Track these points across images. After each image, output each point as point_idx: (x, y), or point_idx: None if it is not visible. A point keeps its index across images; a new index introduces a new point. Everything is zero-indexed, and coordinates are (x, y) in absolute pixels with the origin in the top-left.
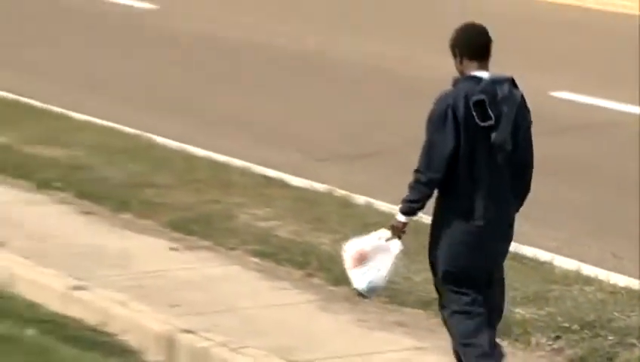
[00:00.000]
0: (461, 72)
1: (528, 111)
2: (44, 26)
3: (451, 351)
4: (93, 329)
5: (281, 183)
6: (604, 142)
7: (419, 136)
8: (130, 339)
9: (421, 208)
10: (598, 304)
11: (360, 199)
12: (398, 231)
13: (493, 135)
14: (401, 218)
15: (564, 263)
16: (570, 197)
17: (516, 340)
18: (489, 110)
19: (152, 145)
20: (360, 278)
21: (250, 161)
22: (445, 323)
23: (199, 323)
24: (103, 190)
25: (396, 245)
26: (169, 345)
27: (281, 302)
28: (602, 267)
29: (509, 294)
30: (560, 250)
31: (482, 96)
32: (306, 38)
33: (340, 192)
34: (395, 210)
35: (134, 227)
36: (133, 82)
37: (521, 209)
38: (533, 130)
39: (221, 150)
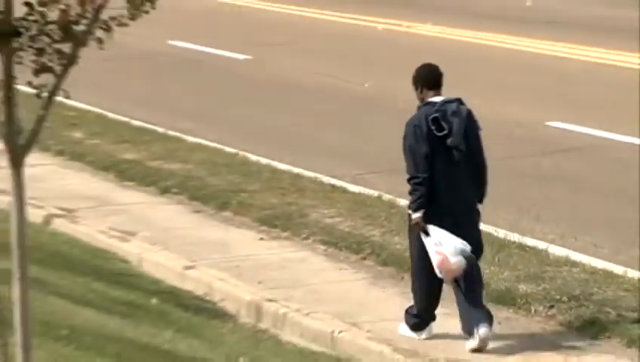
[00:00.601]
0: (421, 100)
1: (476, 121)
2: (166, 73)
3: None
4: (201, 299)
5: (343, 190)
6: (590, 160)
7: None
8: (228, 306)
9: (425, 202)
10: (582, 282)
11: (402, 202)
12: (418, 226)
13: (449, 140)
14: (415, 215)
15: (557, 251)
16: (563, 202)
17: (519, 308)
18: (442, 123)
19: (246, 161)
20: (458, 264)
21: (320, 173)
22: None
23: (280, 294)
24: (209, 194)
25: (433, 229)
26: (257, 310)
27: (341, 279)
28: (586, 254)
29: (514, 274)
30: (554, 241)
31: (436, 114)
32: (366, 80)
33: (388, 197)
34: None
35: (232, 222)
36: (232, 115)
37: (525, 209)
38: (537, 150)
39: (298, 165)
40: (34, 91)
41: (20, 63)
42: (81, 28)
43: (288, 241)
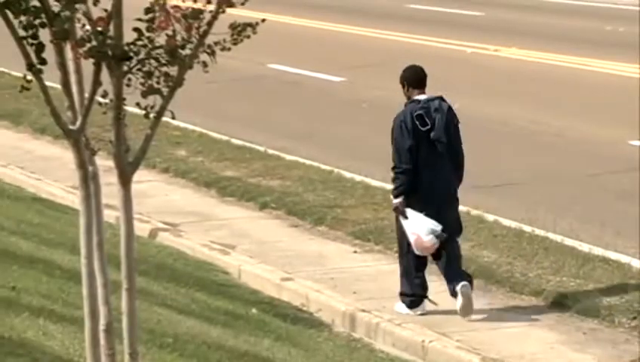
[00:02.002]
0: (408, 97)
1: (455, 116)
2: (266, 95)
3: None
4: (298, 309)
5: None
6: None
7: (540, 173)
8: (323, 316)
9: (405, 190)
10: None
11: (490, 217)
12: (398, 210)
13: (432, 134)
14: (396, 201)
15: (639, 264)
16: None
17: (603, 319)
18: (426, 119)
19: (341, 178)
20: (431, 242)
21: None
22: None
23: (373, 305)
24: (306, 209)
25: (410, 212)
26: (351, 320)
27: (431, 290)
28: None
29: (598, 286)
30: (635, 254)
31: (421, 111)
32: (456, 101)
33: (475, 212)
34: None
35: (327, 236)
36: (328, 134)
37: (608, 224)
38: (619, 167)
39: (391, 181)
40: (142, 112)
41: (129, 85)
42: (186, 52)
43: (381, 254)
